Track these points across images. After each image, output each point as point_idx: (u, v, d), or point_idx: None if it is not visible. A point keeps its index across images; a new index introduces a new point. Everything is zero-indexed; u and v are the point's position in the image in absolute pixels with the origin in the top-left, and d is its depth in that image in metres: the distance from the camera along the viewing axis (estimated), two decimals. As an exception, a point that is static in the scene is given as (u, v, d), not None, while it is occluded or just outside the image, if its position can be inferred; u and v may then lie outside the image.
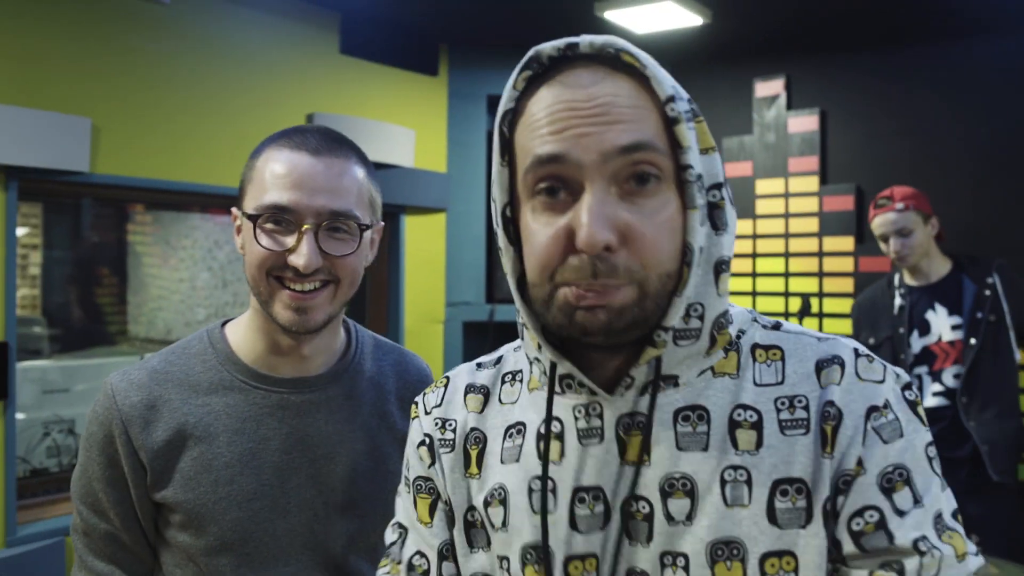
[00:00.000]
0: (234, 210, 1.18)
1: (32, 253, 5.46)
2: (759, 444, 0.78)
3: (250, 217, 1.10)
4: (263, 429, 1.16)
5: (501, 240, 0.83)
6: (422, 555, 0.92)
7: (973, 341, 2.76)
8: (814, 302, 3.81)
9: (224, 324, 1.24)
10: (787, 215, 3.92)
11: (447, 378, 0.99)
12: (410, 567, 0.93)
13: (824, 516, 0.76)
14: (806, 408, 0.79)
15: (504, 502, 0.86)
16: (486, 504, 0.88)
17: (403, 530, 0.96)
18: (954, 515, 0.78)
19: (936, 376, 2.82)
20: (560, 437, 0.84)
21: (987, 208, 3.45)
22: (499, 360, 0.97)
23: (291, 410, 1.18)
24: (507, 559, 0.85)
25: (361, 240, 1.13)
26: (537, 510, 0.83)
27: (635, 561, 0.79)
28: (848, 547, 0.76)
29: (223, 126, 3.04)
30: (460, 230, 4.01)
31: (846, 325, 3.73)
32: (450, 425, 0.94)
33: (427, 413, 0.96)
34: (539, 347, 0.84)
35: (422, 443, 0.95)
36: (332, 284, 1.12)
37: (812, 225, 3.85)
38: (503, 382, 0.94)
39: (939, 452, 0.82)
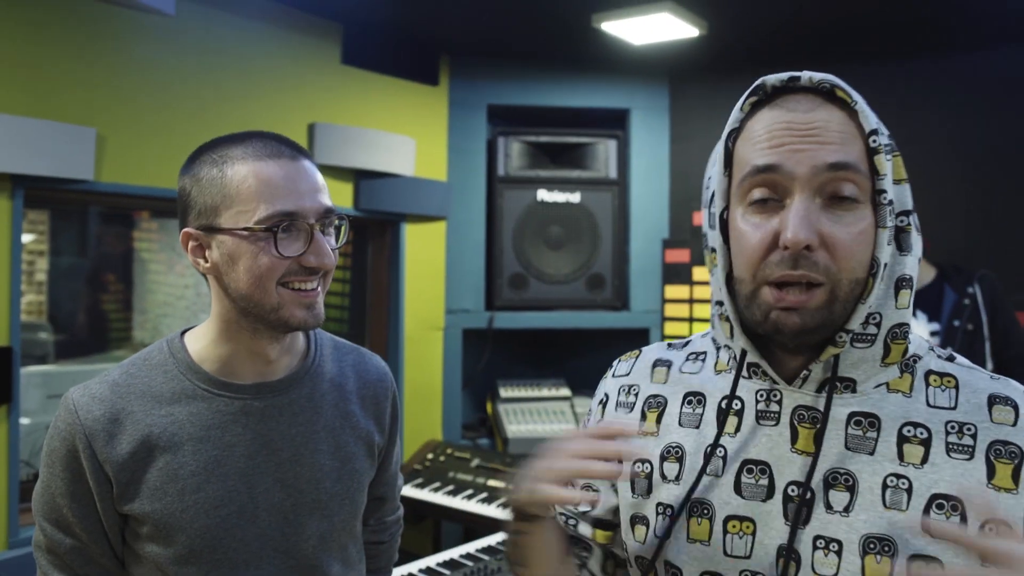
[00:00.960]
0: (193, 231, 1.16)
1: (39, 260, 5.52)
2: (924, 460, 0.88)
3: (266, 230, 1.11)
4: (228, 436, 1.18)
5: (716, 240, 0.95)
6: (589, 488, 1.08)
7: (948, 350, 2.79)
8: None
9: (183, 333, 1.25)
10: (784, 224, 3.94)
11: (640, 351, 1.14)
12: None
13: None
14: (973, 436, 0.88)
15: (680, 459, 0.99)
16: (663, 458, 1.01)
17: None
18: None
19: None
20: (739, 414, 0.97)
21: (981, 220, 3.48)
22: (688, 343, 1.11)
23: (254, 416, 1.20)
24: (670, 507, 0.98)
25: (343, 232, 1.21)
26: (710, 472, 0.96)
27: (789, 540, 0.89)
28: None
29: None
30: (460, 238, 4.05)
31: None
32: (634, 390, 1.08)
33: (614, 377, 1.12)
34: (731, 335, 0.96)
35: (600, 401, 1.12)
36: (322, 278, 1.18)
37: (808, 234, 3.87)
38: (687, 359, 1.07)
39: None
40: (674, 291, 4.26)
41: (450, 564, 2.63)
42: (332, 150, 3.44)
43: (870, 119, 0.88)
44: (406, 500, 3.20)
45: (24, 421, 3.40)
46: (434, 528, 3.89)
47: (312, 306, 1.16)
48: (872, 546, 0.86)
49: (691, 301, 4.21)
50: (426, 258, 3.96)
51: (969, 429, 0.88)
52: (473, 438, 4.08)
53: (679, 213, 4.30)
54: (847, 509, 0.88)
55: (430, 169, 3.93)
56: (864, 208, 0.88)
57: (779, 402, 0.94)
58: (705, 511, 0.95)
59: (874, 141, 0.88)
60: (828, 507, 0.89)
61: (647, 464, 1.02)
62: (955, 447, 0.88)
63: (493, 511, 3.26)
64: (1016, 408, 0.89)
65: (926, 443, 0.88)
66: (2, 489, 2.60)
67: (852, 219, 0.87)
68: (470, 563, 2.63)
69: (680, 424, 1.01)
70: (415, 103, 3.87)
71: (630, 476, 1.03)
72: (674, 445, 1.00)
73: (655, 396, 1.05)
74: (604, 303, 4.12)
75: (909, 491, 0.87)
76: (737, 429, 0.96)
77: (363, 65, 3.63)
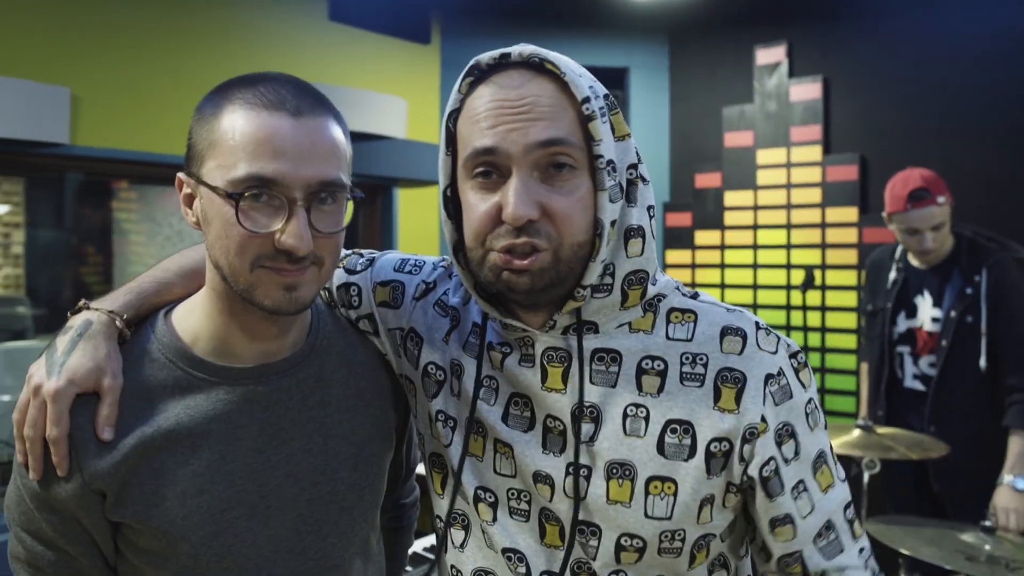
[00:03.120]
0: (182, 176, 1.00)
1: (14, 231, 5.33)
2: (660, 389, 0.97)
3: (229, 195, 0.92)
4: (231, 428, 1.02)
5: (442, 215, 1.02)
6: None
7: (944, 343, 2.65)
8: (817, 274, 3.73)
9: (168, 312, 1.08)
10: (789, 186, 3.83)
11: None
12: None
13: (707, 454, 0.95)
14: (705, 366, 0.97)
15: (460, 378, 1.08)
16: (449, 370, 1.10)
17: None
18: (822, 454, 1.00)
19: (916, 359, 2.77)
20: (507, 355, 1.03)
21: (992, 179, 3.36)
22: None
23: (259, 403, 1.04)
24: (451, 418, 1.08)
25: (344, 211, 1.00)
26: (482, 397, 1.05)
27: (543, 466, 0.99)
28: (759, 488, 0.97)
29: (208, 96, 2.91)
30: (454, 204, 3.90)
31: (850, 297, 3.66)
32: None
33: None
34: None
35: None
36: (316, 266, 0.99)
37: (815, 196, 3.76)
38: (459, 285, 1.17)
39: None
40: (676, 256, 4.15)
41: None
42: (321, 111, 3.28)
43: (581, 88, 0.91)
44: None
45: (3, 399, 3.26)
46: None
47: (292, 287, 0.96)
48: (615, 471, 0.96)
49: (693, 266, 4.10)
50: (420, 224, 3.82)
51: (701, 359, 0.97)
52: (470, 410, 3.97)
53: (680, 175, 4.17)
54: (592, 438, 0.97)
55: (422, 131, 3.77)
56: (581, 175, 0.92)
57: (532, 345, 1.00)
58: (480, 430, 1.04)
59: (587, 109, 0.91)
60: (577, 437, 0.96)
61: (440, 371, 1.10)
62: (688, 376, 0.97)
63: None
64: (744, 337, 0.98)
65: (662, 374, 0.97)
66: (-21, 472, 2.46)
67: (570, 188, 0.91)
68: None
69: (462, 348, 1.08)
70: (406, 62, 3.70)
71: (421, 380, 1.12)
72: (456, 363, 1.08)
73: (454, 309, 1.12)
74: (603, 269, 4.00)
75: (647, 419, 0.96)
76: (502, 363, 1.03)
77: (351, 22, 3.46)
